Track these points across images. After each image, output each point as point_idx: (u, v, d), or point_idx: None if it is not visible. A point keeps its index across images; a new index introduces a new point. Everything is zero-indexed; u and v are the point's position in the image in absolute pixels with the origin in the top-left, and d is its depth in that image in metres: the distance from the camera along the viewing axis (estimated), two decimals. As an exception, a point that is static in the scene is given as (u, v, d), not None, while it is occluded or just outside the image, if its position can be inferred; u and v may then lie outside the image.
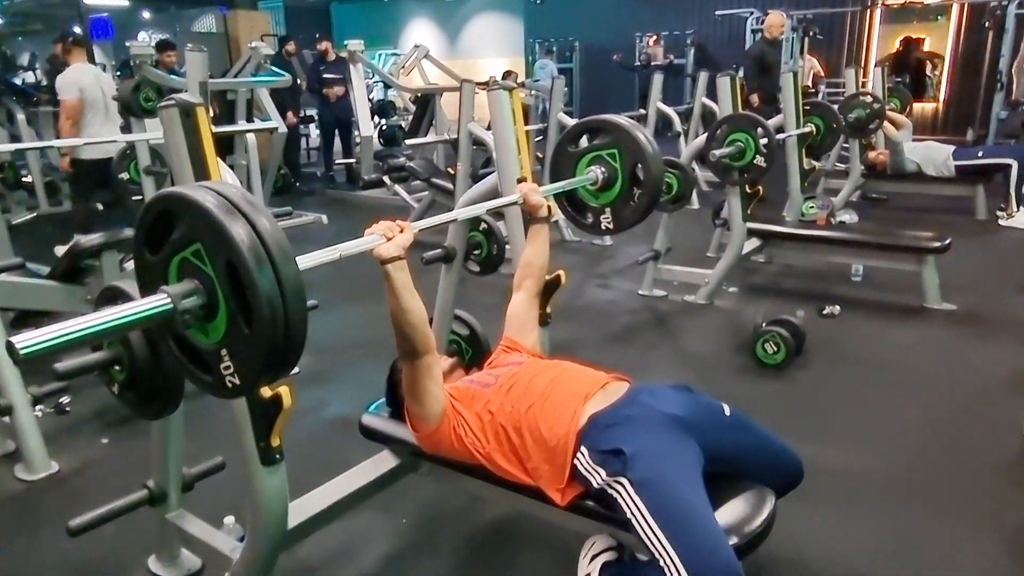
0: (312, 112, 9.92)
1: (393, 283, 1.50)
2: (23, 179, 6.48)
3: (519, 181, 2.04)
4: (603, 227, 2.11)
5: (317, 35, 8.23)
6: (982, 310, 3.82)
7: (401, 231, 1.49)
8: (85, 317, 0.97)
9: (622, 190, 2.03)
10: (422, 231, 1.56)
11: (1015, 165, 5.58)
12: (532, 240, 2.00)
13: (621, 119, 2.04)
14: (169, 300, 1.02)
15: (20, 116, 6.69)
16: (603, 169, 2.02)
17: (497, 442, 1.63)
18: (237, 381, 1.07)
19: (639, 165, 1.99)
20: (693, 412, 1.59)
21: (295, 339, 1.02)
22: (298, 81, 8.12)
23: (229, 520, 1.93)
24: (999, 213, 5.71)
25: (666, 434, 1.52)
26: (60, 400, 2.86)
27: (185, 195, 1.02)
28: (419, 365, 1.61)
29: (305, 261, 1.21)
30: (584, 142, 2.12)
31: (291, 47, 8.50)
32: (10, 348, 0.90)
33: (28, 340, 0.91)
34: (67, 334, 0.95)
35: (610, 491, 1.47)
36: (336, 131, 8.37)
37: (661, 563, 1.35)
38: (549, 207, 2.06)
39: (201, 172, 1.40)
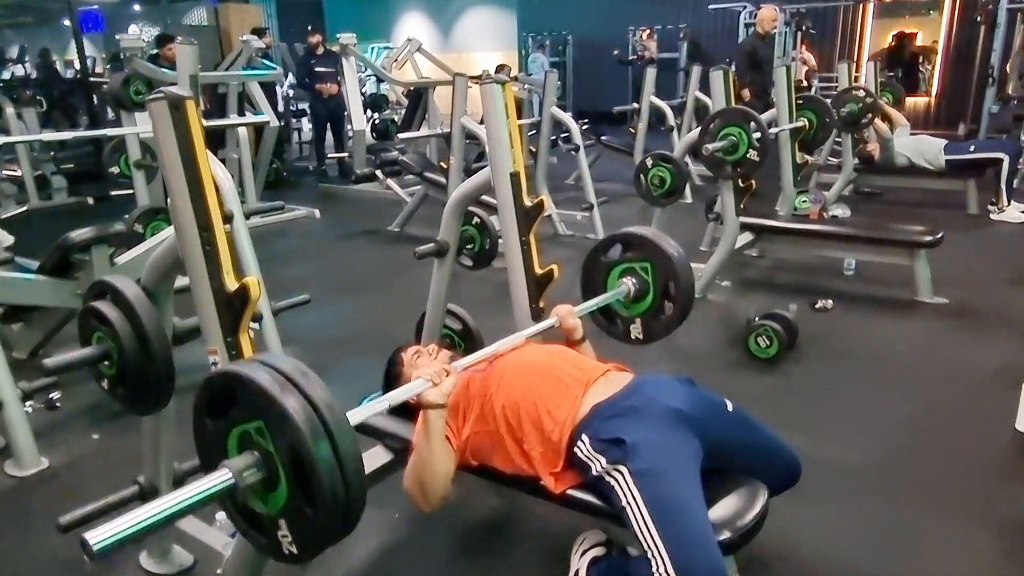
0: (303, 106, 9.88)
1: (430, 428, 1.52)
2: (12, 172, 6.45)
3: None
4: (633, 337, 2.11)
5: (309, 27, 8.15)
6: (973, 304, 3.83)
7: (447, 374, 1.49)
8: (154, 504, 0.99)
9: (653, 303, 2.04)
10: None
11: (1006, 160, 5.60)
12: None
13: (652, 233, 2.06)
14: (231, 476, 1.04)
15: (9, 110, 6.63)
16: (635, 281, 2.03)
17: (496, 424, 1.63)
18: (295, 550, 1.09)
19: (671, 282, 2.00)
20: (696, 406, 1.59)
21: (355, 511, 1.05)
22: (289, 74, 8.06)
23: (221, 516, 1.92)
24: (990, 207, 5.74)
25: (668, 428, 1.52)
26: (50, 396, 2.84)
27: (247, 376, 1.05)
28: (429, 505, 1.61)
29: (356, 416, 1.23)
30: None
31: (267, 39, 8.40)
32: (84, 544, 0.92)
33: (101, 536, 0.93)
34: (140, 524, 0.96)
35: (608, 479, 1.48)
36: (328, 124, 8.33)
37: (649, 555, 1.36)
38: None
39: (191, 167, 1.38)
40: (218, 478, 1.04)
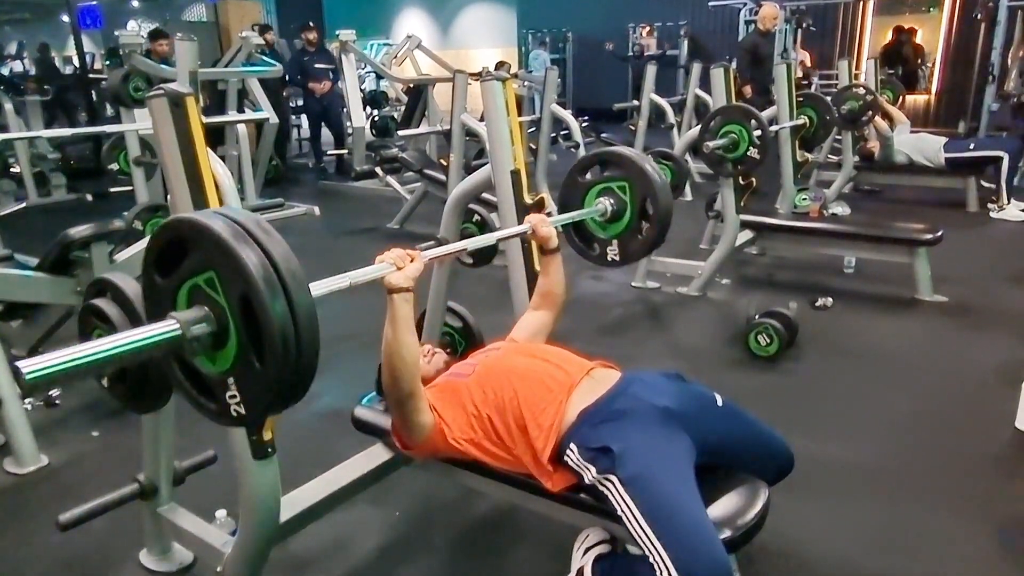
0: (302, 102, 9.85)
1: (396, 314, 1.48)
2: (11, 169, 6.44)
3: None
4: (609, 258, 2.09)
5: (310, 23, 8.10)
6: (973, 302, 3.83)
7: (412, 260, 1.47)
8: (93, 343, 0.96)
9: (630, 223, 2.03)
10: (428, 252, 1.54)
11: (1006, 158, 5.60)
12: (546, 271, 1.97)
13: (631, 152, 2.04)
14: (178, 326, 1.00)
15: (8, 106, 6.62)
16: (612, 201, 2.02)
17: (484, 432, 1.62)
18: (243, 411, 1.05)
19: (649, 200, 1.99)
20: (685, 403, 1.58)
21: (306, 373, 1.01)
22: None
23: (221, 514, 1.92)
24: (990, 205, 5.73)
25: (656, 429, 1.51)
26: (50, 393, 2.84)
27: (200, 223, 1.00)
28: (405, 406, 1.57)
29: (316, 288, 1.19)
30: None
31: (270, 36, 8.37)
32: (16, 373, 0.90)
33: (35, 365, 0.90)
34: (74, 360, 0.94)
35: (601, 488, 1.47)
36: (322, 122, 8.29)
37: (652, 560, 1.35)
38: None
39: (191, 163, 1.38)
40: (163, 327, 1.00)
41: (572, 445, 1.52)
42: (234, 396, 1.05)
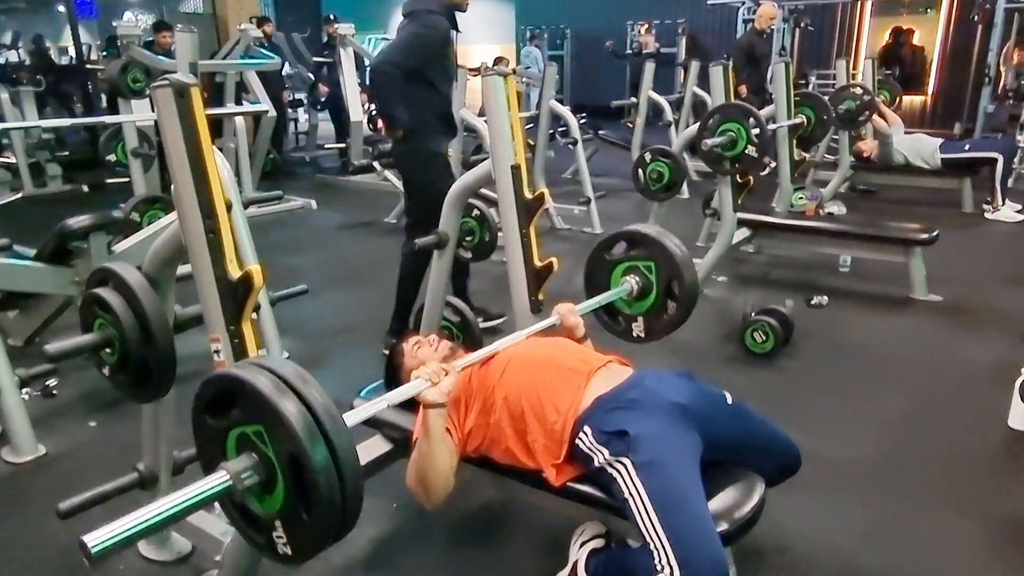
0: (300, 96, 9.83)
1: (430, 428, 1.53)
2: (6, 160, 6.41)
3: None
4: (635, 334, 2.10)
5: (332, 16, 8.05)
6: (967, 301, 3.86)
7: (446, 374, 1.49)
8: (152, 506, 0.99)
9: (656, 302, 2.03)
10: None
11: (1001, 159, 5.63)
12: None
13: (656, 232, 2.04)
14: (229, 479, 1.05)
15: (3, 95, 6.58)
16: (638, 279, 2.03)
17: (498, 416, 1.65)
18: (289, 552, 1.10)
19: (675, 281, 1.99)
20: (697, 400, 1.61)
21: (351, 518, 1.06)
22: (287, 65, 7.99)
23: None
24: (985, 206, 5.77)
25: (670, 422, 1.54)
26: (47, 383, 2.84)
27: (246, 381, 1.05)
28: (432, 502, 1.61)
29: (352, 417, 1.24)
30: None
31: (268, 28, 8.33)
32: (83, 547, 0.92)
33: (100, 538, 0.93)
34: (139, 525, 0.97)
35: (610, 471, 1.49)
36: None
37: (652, 546, 1.37)
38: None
39: (196, 155, 1.38)
40: (216, 480, 1.05)
41: (586, 427, 1.55)
42: (281, 537, 1.09)
